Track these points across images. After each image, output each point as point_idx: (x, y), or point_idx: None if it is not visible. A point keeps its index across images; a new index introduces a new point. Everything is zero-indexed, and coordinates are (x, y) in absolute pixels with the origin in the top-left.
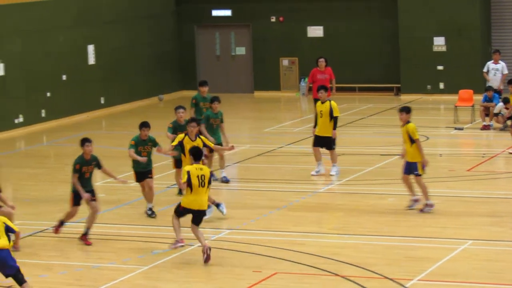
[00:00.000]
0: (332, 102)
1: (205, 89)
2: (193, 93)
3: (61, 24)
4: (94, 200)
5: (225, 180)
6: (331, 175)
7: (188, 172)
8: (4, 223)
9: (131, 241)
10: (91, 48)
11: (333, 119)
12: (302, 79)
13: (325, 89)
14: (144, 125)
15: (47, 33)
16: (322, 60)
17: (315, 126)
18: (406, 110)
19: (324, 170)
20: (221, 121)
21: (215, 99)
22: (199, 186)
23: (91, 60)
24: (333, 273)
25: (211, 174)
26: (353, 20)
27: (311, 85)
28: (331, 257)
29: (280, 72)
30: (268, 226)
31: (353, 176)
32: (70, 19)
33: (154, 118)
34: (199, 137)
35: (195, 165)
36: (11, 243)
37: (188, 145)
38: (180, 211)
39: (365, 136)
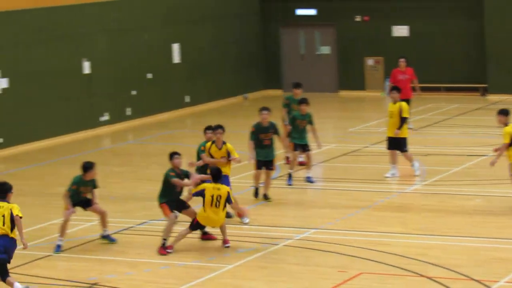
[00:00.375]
0: (403, 103)
1: (299, 91)
2: (277, 92)
3: (148, 23)
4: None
5: (310, 181)
6: (416, 175)
7: (203, 190)
8: (10, 209)
9: (216, 239)
10: (176, 47)
11: (402, 119)
12: (387, 79)
13: (398, 90)
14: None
15: (133, 31)
16: (402, 60)
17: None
18: (504, 112)
19: (398, 173)
20: (310, 123)
21: (303, 101)
22: (211, 205)
23: (176, 58)
24: (418, 273)
25: (228, 195)
26: (439, 20)
27: (392, 85)
28: (416, 257)
29: (364, 72)
30: (353, 226)
31: (439, 177)
32: (156, 18)
33: (239, 117)
34: (226, 145)
35: (213, 184)
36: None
37: (215, 154)
38: (193, 225)
39: (451, 136)
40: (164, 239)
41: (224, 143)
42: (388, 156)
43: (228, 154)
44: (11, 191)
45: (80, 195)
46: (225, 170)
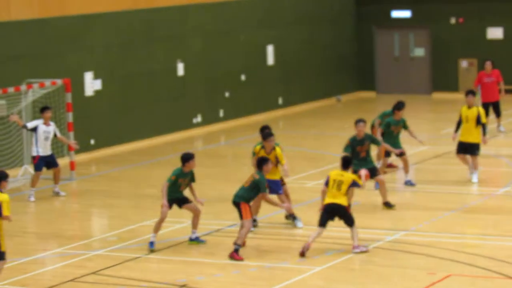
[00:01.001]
0: (480, 108)
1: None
2: (371, 94)
3: (242, 24)
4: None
5: (410, 184)
6: (473, 182)
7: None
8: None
9: (304, 241)
10: (270, 49)
11: (482, 125)
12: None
13: (473, 93)
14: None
15: (228, 33)
16: (488, 63)
17: (456, 131)
18: None
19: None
20: (404, 127)
21: (399, 107)
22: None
23: (270, 60)
24: (507, 276)
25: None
26: None
27: (478, 88)
28: (506, 259)
29: (458, 74)
30: (443, 228)
31: None
32: (252, 20)
33: (332, 119)
34: (275, 150)
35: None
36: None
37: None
38: None
39: None
40: (239, 245)
41: (273, 148)
42: (461, 161)
43: (277, 159)
44: (5, 179)
45: (178, 188)
46: (274, 175)
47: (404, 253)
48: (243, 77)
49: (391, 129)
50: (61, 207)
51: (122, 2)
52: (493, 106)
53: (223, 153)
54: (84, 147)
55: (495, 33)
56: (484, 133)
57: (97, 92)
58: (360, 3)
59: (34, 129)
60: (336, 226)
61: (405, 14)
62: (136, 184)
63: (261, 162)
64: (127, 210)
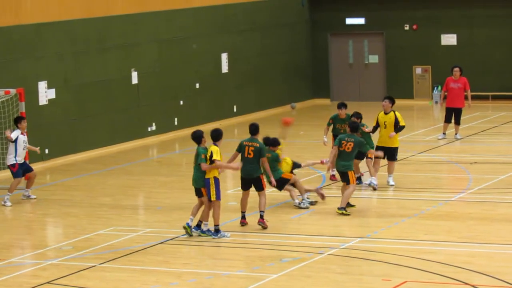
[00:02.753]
0: (396, 112)
1: (343, 111)
2: (325, 101)
3: (196, 32)
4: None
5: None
6: (391, 185)
7: None
8: None
9: (260, 249)
10: (225, 56)
11: (399, 128)
12: (435, 88)
13: (390, 99)
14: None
15: (182, 41)
16: (456, 69)
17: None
18: None
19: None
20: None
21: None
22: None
23: (225, 68)
24: (463, 282)
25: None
26: (486, 28)
27: (445, 93)
28: (461, 266)
29: (413, 80)
30: (398, 235)
31: (485, 185)
32: (206, 28)
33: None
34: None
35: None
36: None
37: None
38: None
39: (498, 144)
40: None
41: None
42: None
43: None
44: None
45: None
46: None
47: (360, 260)
48: (197, 85)
49: (337, 127)
50: (16, 216)
51: (76, 11)
52: (455, 113)
53: (178, 162)
54: (39, 157)
55: (449, 39)
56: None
57: (51, 101)
58: (315, 11)
59: (15, 140)
60: (294, 233)
61: (360, 21)
62: (91, 193)
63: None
64: (82, 219)
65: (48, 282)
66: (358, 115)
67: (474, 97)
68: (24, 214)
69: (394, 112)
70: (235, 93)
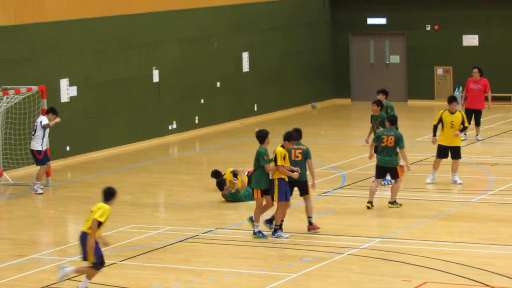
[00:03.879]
0: (463, 112)
1: (376, 108)
2: (346, 101)
3: (218, 31)
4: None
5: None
6: (458, 183)
7: None
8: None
9: (281, 248)
10: (246, 55)
11: (464, 128)
12: (456, 88)
13: (456, 100)
14: None
15: (204, 40)
16: (475, 70)
17: (434, 135)
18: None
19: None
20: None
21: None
22: None
23: (246, 67)
24: (483, 283)
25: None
26: (509, 29)
27: (466, 94)
28: (481, 267)
29: (434, 81)
30: (419, 235)
31: (506, 186)
32: (227, 27)
33: (307, 126)
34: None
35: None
36: None
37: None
38: None
39: None
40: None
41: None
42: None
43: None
44: None
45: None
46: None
47: (380, 261)
48: (218, 84)
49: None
50: (36, 213)
51: (98, 9)
52: (475, 114)
53: (198, 160)
54: (60, 154)
55: (470, 40)
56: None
57: (72, 99)
58: (336, 10)
59: (46, 127)
60: (314, 233)
61: (381, 21)
62: None
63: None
64: None
65: (68, 279)
66: (385, 92)
67: (495, 98)
68: (45, 211)
69: (460, 112)
70: (255, 92)
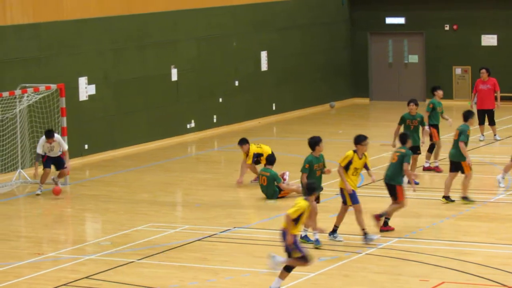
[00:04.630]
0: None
1: (413, 107)
2: (364, 101)
3: (237, 30)
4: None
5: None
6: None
7: None
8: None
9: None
10: (264, 54)
11: None
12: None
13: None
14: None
15: (222, 39)
16: (483, 71)
17: None
18: None
19: None
20: (421, 124)
21: (411, 101)
22: None
23: (264, 66)
24: (501, 284)
25: None
26: None
27: (475, 95)
28: (499, 267)
29: (453, 81)
30: (437, 235)
31: None
32: (245, 25)
33: (325, 125)
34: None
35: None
36: None
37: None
38: None
39: None
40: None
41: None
42: None
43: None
44: None
45: (315, 175)
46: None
47: (398, 260)
48: (236, 83)
49: (407, 123)
50: (55, 211)
51: (116, 7)
52: (487, 114)
53: (216, 159)
54: (78, 152)
55: (489, 40)
56: None
57: (91, 97)
58: (354, 10)
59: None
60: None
61: (400, 20)
62: (129, 189)
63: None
64: (120, 215)
65: (86, 277)
66: (415, 102)
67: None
68: (63, 209)
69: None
70: (274, 91)
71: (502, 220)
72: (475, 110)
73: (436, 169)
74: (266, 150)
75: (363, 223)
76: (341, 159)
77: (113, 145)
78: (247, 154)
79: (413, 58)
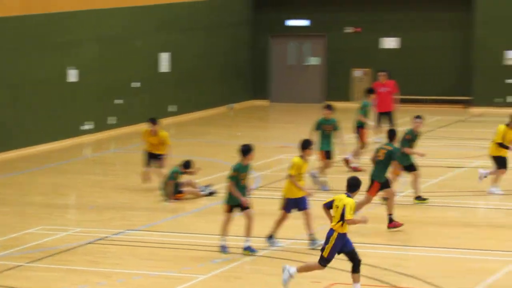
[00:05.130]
0: None
1: (327, 111)
2: (264, 103)
3: (138, 30)
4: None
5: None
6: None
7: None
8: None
9: (191, 250)
10: (165, 56)
11: None
12: None
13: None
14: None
15: (123, 40)
16: (382, 73)
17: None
18: None
19: None
20: (335, 129)
21: (326, 106)
22: None
23: (165, 67)
24: (392, 285)
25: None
26: (428, 32)
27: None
28: (391, 268)
29: (351, 83)
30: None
31: (425, 186)
32: (148, 26)
33: (224, 127)
34: None
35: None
36: None
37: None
38: None
39: (432, 148)
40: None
41: None
42: None
43: None
44: None
45: (240, 182)
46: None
47: (290, 261)
48: (137, 84)
49: (322, 128)
50: None
51: (15, 7)
52: (388, 116)
53: (112, 161)
54: None
55: (390, 43)
56: None
57: None
58: (257, 12)
59: None
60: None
61: (302, 23)
62: (22, 191)
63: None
64: (11, 217)
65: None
66: (330, 107)
67: (412, 101)
68: None
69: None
70: (174, 92)
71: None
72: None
73: (356, 169)
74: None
75: (312, 227)
76: (290, 167)
77: (8, 147)
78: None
79: (314, 60)
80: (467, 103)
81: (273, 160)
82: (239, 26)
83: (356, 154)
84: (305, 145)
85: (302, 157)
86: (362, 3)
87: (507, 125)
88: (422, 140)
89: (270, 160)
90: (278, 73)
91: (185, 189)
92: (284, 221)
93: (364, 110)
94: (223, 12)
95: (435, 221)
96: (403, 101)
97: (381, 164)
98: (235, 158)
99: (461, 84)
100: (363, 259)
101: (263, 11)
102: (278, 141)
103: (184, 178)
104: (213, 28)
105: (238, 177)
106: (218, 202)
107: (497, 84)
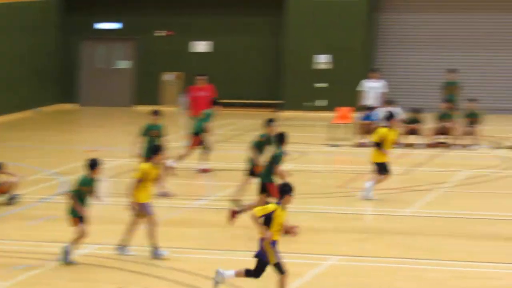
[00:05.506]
0: None
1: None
2: (73, 106)
3: None
4: None
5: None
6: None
7: None
8: None
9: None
10: None
11: None
12: (182, 94)
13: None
14: None
15: None
16: (199, 77)
17: None
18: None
19: None
20: (161, 134)
21: (153, 112)
22: None
23: None
24: None
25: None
26: (239, 36)
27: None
28: (198, 272)
29: (162, 86)
30: (143, 242)
31: (223, 194)
32: None
33: (32, 131)
34: None
35: None
36: None
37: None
38: None
39: (239, 152)
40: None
41: None
42: None
43: None
44: None
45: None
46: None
47: (98, 267)
48: None
49: (149, 133)
50: None
51: None
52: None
53: None
54: None
55: (201, 46)
56: None
57: None
58: (68, 14)
59: None
60: (28, 240)
61: (112, 25)
62: None
63: None
64: None
65: None
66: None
67: (223, 105)
68: None
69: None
70: None
71: (199, 225)
72: (184, 115)
73: (206, 170)
74: None
75: (156, 237)
76: (137, 173)
77: None
78: None
79: (124, 64)
80: (278, 107)
81: (79, 164)
82: (48, 29)
83: (180, 158)
84: (155, 151)
85: (152, 163)
86: (175, 6)
87: (388, 127)
88: (231, 144)
89: (77, 165)
90: (87, 77)
91: None
92: (135, 227)
93: (207, 119)
94: (31, 15)
95: (240, 224)
96: (216, 104)
97: (267, 167)
98: (42, 162)
99: (272, 88)
100: (170, 263)
101: (74, 14)
102: (86, 144)
103: None
104: (20, 31)
105: (81, 190)
106: (21, 208)
107: (307, 88)
